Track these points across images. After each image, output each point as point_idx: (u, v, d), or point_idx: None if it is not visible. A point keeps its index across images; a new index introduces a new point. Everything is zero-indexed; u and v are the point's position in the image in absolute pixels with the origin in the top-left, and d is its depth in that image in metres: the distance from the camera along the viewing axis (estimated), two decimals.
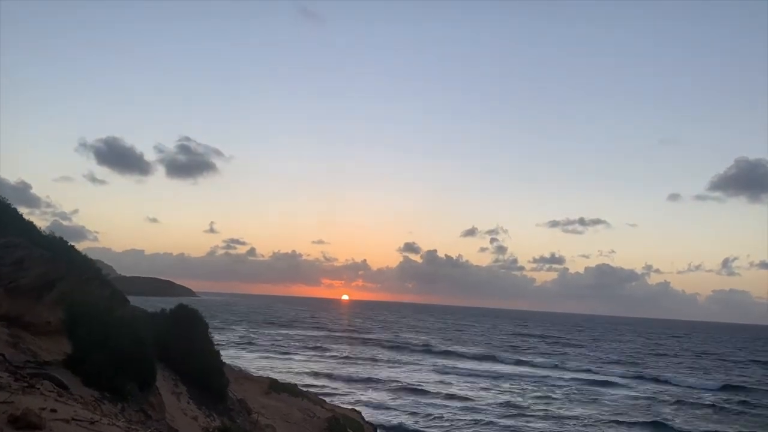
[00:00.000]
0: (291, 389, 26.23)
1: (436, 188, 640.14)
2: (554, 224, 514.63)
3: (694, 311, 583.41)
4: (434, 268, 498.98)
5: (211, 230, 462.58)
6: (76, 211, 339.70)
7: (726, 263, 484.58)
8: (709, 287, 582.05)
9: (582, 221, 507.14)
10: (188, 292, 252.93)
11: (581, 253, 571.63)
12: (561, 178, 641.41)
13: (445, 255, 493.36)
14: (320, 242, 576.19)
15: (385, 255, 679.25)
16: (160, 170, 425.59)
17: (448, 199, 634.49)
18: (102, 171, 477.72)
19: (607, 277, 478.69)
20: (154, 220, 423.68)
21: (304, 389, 29.51)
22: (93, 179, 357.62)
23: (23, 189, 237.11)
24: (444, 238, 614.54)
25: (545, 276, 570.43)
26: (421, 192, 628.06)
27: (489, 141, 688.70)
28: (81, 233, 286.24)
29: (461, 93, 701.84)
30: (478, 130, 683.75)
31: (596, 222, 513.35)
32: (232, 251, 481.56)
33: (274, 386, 25.31)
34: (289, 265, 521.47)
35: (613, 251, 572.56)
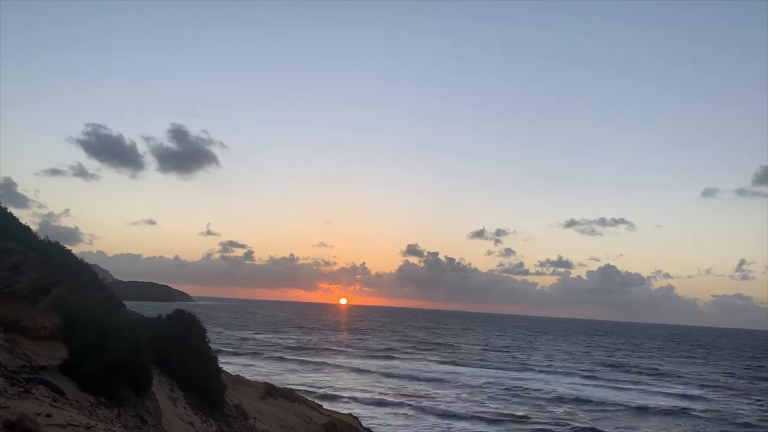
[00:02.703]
0: (288, 394, 26.18)
1: (447, 188, 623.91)
2: (571, 224, 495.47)
3: (694, 317, 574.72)
4: (435, 273, 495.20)
5: (208, 232, 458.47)
6: (67, 211, 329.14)
7: (740, 266, 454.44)
8: (717, 292, 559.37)
9: (603, 221, 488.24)
10: (185, 297, 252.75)
11: (593, 255, 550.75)
12: (583, 172, 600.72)
13: (445, 257, 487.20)
14: (322, 245, 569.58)
15: (388, 257, 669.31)
16: (155, 165, 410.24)
17: (459, 199, 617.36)
18: (92, 165, 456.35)
19: (609, 282, 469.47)
20: (151, 222, 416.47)
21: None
22: (84, 175, 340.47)
23: (9, 187, 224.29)
24: (451, 240, 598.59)
25: (549, 280, 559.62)
26: (431, 192, 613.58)
27: (504, 137, 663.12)
28: (74, 235, 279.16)
29: (475, 87, 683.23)
30: (493, 126, 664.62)
31: (618, 222, 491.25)
32: (229, 254, 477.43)
33: (270, 391, 25.26)
34: (287, 269, 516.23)
35: (621, 255, 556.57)
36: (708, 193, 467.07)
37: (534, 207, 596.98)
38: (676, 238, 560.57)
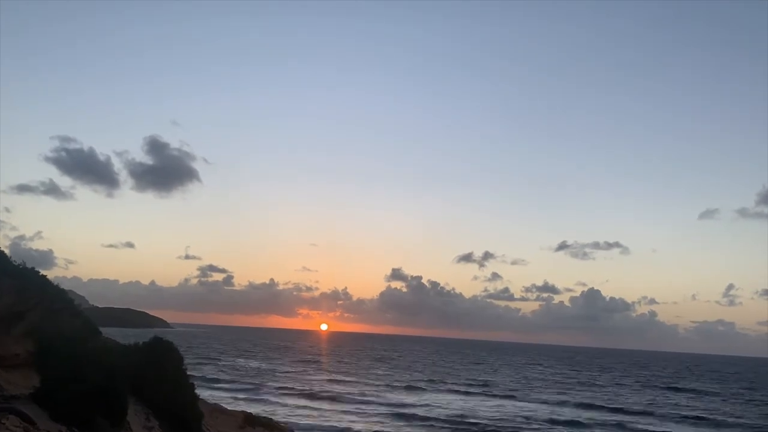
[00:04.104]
0: (266, 423, 25.72)
1: (437, 210, 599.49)
2: (562, 247, 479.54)
3: (676, 343, 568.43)
4: (418, 298, 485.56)
5: (187, 256, 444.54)
6: (39, 233, 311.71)
7: (727, 291, 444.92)
8: (700, 318, 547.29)
9: (596, 245, 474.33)
10: (163, 323, 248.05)
11: (580, 280, 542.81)
12: (578, 193, 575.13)
13: (429, 282, 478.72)
14: (305, 269, 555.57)
15: (371, 282, 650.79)
16: (131, 184, 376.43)
17: (449, 222, 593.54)
18: (66, 182, 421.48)
19: (593, 308, 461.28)
20: (129, 244, 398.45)
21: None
22: (56, 193, 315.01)
23: None
24: (438, 264, 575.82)
25: (532, 306, 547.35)
26: (422, 214, 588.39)
27: (498, 155, 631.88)
28: (48, 259, 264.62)
29: (465, 107, 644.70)
30: (489, 143, 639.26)
31: (612, 246, 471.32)
32: (208, 279, 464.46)
33: (249, 420, 24.79)
34: (267, 295, 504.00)
35: (607, 280, 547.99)
36: (707, 214, 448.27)
37: (526, 229, 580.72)
38: (668, 263, 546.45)
